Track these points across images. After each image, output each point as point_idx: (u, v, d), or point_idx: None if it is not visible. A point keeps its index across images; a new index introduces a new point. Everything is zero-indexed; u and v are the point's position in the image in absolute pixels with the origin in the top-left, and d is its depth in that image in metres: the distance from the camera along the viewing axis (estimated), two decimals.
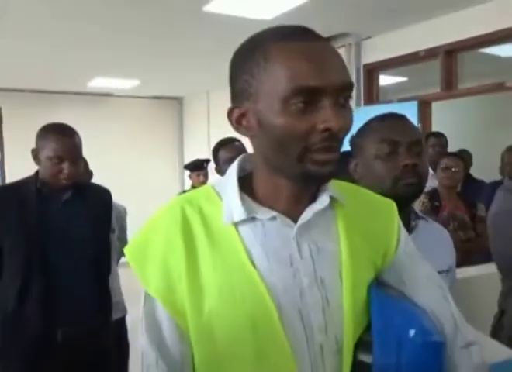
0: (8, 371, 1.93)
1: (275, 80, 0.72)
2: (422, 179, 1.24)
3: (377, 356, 0.79)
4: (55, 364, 1.89)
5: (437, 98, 4.38)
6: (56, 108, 6.89)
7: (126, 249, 0.82)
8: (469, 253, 2.93)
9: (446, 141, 3.95)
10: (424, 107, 4.40)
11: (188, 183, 4.66)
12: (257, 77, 0.74)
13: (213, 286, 0.77)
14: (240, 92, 0.77)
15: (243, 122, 0.78)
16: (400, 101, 4.57)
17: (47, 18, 3.73)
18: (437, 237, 1.35)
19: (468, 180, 4.17)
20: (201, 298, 0.77)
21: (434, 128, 4.44)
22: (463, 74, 4.24)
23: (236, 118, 0.79)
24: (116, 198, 2.33)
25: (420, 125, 4.33)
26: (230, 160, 2.18)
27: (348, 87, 0.74)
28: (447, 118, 5.02)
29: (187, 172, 4.46)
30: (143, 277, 0.79)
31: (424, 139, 4.10)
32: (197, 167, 4.24)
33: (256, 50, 0.75)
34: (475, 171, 4.46)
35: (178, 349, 0.79)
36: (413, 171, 1.21)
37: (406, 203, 1.25)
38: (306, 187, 0.81)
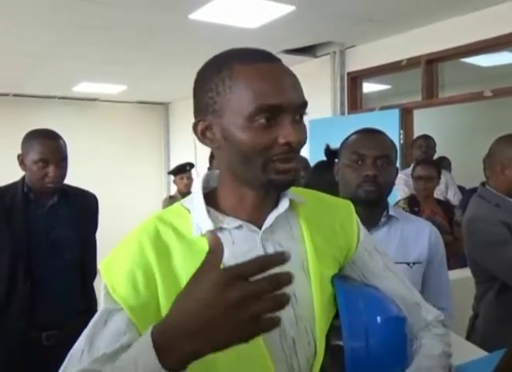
0: None
1: (240, 98, 0.78)
2: (381, 187, 1.44)
3: (347, 339, 0.85)
4: (40, 367, 1.90)
5: (419, 106, 4.47)
6: (41, 112, 6.85)
7: (101, 263, 0.85)
8: (447, 257, 2.97)
9: (434, 143, 4.07)
10: (406, 115, 4.49)
11: (173, 188, 4.68)
12: (222, 94, 0.80)
13: None
14: (204, 107, 0.83)
15: (208, 135, 0.84)
16: (383, 108, 4.66)
17: (32, 22, 3.73)
18: (413, 234, 1.51)
19: None
20: None
21: (416, 135, 4.52)
22: (444, 82, 4.34)
23: (201, 131, 0.84)
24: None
25: (402, 132, 4.42)
26: None
27: (304, 105, 0.82)
28: (428, 126, 5.12)
29: (172, 178, 4.51)
30: (110, 283, 0.82)
31: (410, 143, 4.21)
32: (180, 171, 4.31)
33: (221, 69, 0.80)
34: (455, 177, 4.55)
35: (113, 346, 0.79)
36: (373, 181, 1.42)
37: (369, 206, 1.45)
38: (269, 195, 0.88)
